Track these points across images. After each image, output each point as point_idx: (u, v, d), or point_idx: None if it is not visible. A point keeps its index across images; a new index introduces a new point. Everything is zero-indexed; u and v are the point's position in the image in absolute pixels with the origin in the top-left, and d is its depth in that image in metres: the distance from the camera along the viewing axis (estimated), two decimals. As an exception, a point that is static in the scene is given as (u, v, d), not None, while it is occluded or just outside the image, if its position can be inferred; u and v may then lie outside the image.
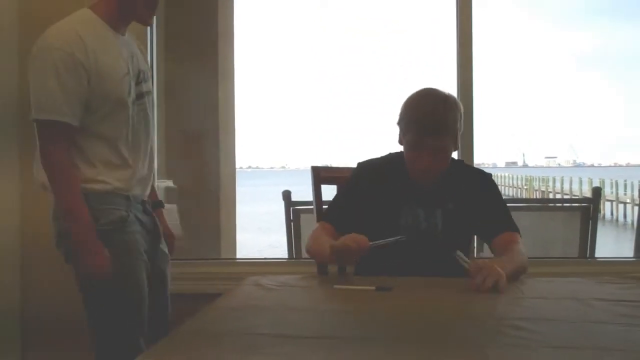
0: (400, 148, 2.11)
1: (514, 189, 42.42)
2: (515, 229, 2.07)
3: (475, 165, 3.10)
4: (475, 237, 2.39)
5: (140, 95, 2.08)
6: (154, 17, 2.13)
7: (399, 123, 2.07)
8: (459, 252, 1.83)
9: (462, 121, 2.05)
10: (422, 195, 2.07)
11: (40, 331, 2.95)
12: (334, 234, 2.03)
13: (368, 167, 2.18)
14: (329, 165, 2.60)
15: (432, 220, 2.06)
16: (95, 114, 1.99)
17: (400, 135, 2.08)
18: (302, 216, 3.60)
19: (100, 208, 2.00)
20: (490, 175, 2.16)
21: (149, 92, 2.14)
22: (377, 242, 1.89)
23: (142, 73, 2.11)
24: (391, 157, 2.15)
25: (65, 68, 1.91)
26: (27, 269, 2.95)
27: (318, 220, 2.26)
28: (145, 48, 2.29)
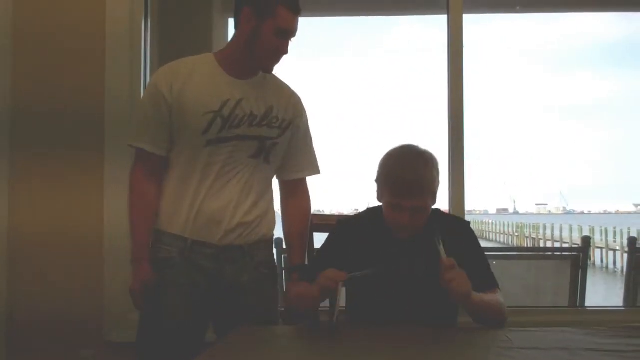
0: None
1: (505, 235, 42.37)
2: (495, 285, 2.07)
3: (466, 212, 3.15)
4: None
5: (230, 138, 2.07)
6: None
7: (376, 181, 2.08)
8: (439, 240, 1.88)
9: (439, 176, 2.05)
10: (402, 248, 2.07)
11: (27, 336, 2.94)
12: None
13: (348, 224, 2.19)
14: (321, 212, 2.62)
15: (413, 269, 2.07)
16: (176, 147, 2.08)
17: (378, 192, 2.09)
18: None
19: (154, 245, 2.11)
20: (468, 223, 2.15)
21: (257, 138, 2.10)
22: (355, 273, 1.91)
23: (251, 117, 2.09)
24: (371, 213, 2.15)
25: (150, 100, 2.07)
26: (15, 272, 2.95)
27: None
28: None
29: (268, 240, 2.22)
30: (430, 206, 2.05)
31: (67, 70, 2.96)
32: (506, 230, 43.28)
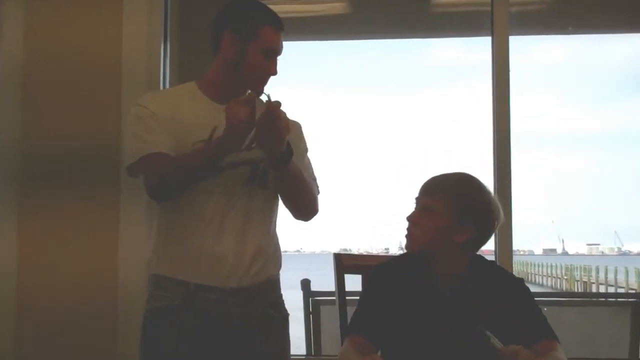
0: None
1: (553, 278, 41.84)
2: (554, 337, 2.02)
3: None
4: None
5: (223, 167, 2.03)
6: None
7: None
8: (489, 333, 1.81)
9: (469, 209, 2.00)
10: (450, 308, 2.01)
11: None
12: (366, 346, 1.98)
13: (388, 271, 2.14)
14: (348, 250, 2.58)
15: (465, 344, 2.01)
16: None
17: None
18: (323, 308, 3.55)
19: (152, 292, 2.07)
20: (522, 280, 2.11)
21: (248, 162, 2.07)
22: None
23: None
24: (406, 259, 2.10)
25: (144, 116, 2.04)
26: (22, 319, 2.95)
27: (341, 316, 2.23)
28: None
29: (275, 281, 2.18)
30: (441, 218, 1.99)
31: (81, 104, 3.00)
32: (554, 272, 42.72)
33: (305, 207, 2.18)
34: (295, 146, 2.11)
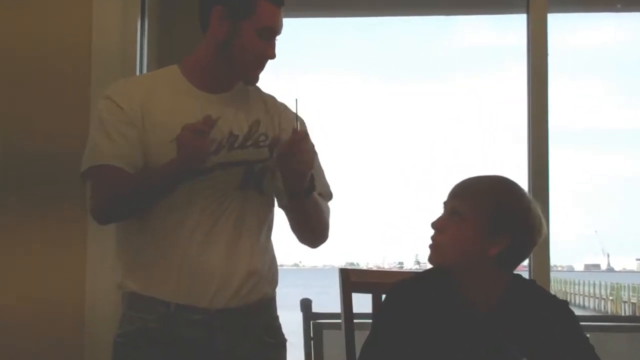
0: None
1: (596, 299, 41.88)
2: None
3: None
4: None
5: (209, 169, 2.03)
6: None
7: None
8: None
9: (506, 215, 2.01)
10: (482, 338, 2.01)
11: None
12: None
13: (408, 290, 2.13)
14: (356, 265, 2.57)
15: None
16: None
17: None
18: (326, 333, 3.53)
19: (125, 313, 2.06)
20: (566, 303, 2.10)
21: (242, 163, 2.08)
22: None
23: (231, 138, 2.07)
24: (429, 276, 2.10)
25: (111, 115, 2.04)
26: None
27: (348, 343, 2.23)
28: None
29: (270, 300, 2.16)
30: (470, 226, 1.99)
31: (41, 99, 3.00)
32: (598, 292, 42.74)
33: (314, 237, 2.20)
34: None
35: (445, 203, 2.05)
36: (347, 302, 2.36)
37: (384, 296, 2.18)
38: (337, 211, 2.27)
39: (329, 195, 2.25)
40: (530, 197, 2.06)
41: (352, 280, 2.36)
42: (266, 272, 2.13)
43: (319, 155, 2.22)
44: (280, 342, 2.18)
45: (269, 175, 2.11)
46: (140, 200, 2.03)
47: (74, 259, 2.93)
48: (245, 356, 2.08)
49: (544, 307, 2.06)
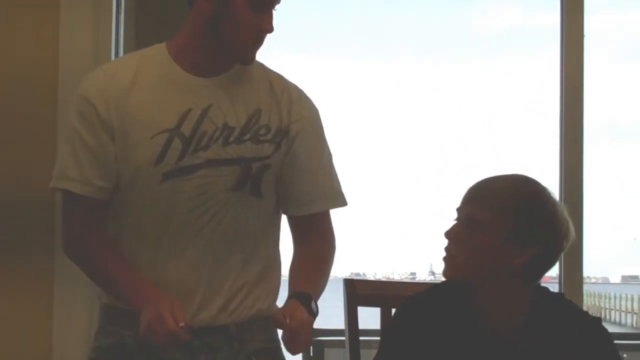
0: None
1: (635, 315, 42.01)
2: None
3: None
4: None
5: (197, 166, 2.01)
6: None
7: None
8: None
9: (530, 221, 2.00)
10: (502, 356, 2.02)
11: None
12: None
13: (420, 306, 2.12)
14: (362, 275, 2.58)
15: None
16: (122, 187, 2.03)
17: None
18: (328, 351, 3.55)
19: (102, 326, 2.09)
20: (599, 321, 2.10)
21: (238, 160, 2.04)
22: None
23: (225, 131, 2.03)
24: (449, 288, 2.10)
25: (80, 120, 2.02)
26: None
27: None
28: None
29: (266, 318, 2.08)
30: (490, 235, 1.99)
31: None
32: (637, 307, 42.88)
33: None
34: (313, 147, 2.12)
35: (458, 209, 2.04)
36: (352, 317, 2.37)
37: (394, 310, 2.19)
38: (342, 216, 2.25)
39: (338, 199, 2.20)
40: (556, 197, 2.05)
41: (358, 292, 2.38)
42: (259, 285, 2.09)
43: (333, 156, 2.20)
44: None
45: (269, 176, 2.07)
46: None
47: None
48: None
49: (574, 326, 2.06)
